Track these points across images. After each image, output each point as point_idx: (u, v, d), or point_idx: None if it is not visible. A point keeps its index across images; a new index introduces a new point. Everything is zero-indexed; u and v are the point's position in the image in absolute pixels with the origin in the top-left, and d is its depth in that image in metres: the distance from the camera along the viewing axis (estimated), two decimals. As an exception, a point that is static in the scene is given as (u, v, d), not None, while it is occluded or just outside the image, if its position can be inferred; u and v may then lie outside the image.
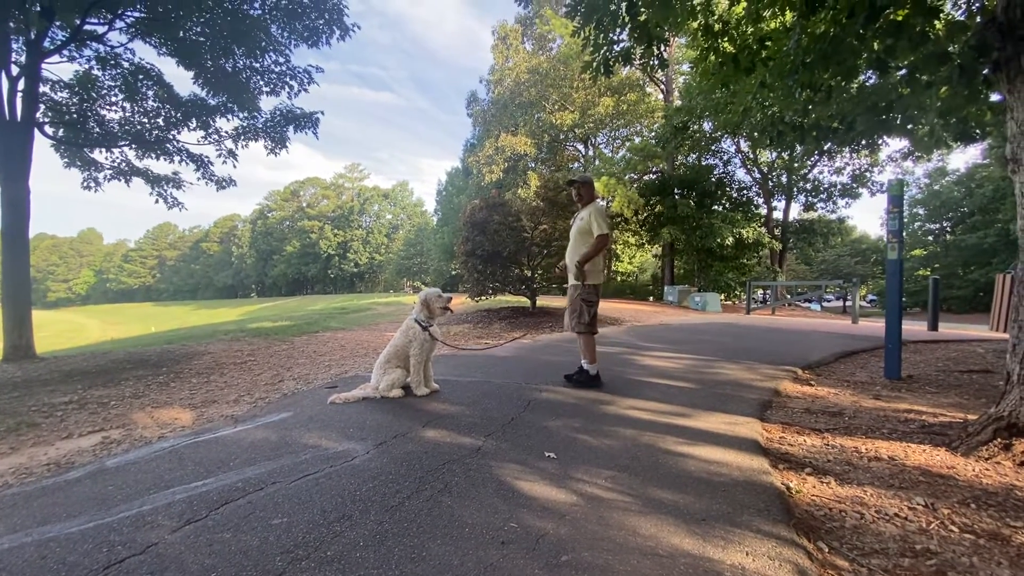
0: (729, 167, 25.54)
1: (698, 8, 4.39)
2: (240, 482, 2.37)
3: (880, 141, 6.07)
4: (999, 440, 2.76)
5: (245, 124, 9.23)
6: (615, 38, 4.56)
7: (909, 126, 5.12)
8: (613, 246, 29.04)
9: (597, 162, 25.93)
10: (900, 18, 3.38)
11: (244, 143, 9.36)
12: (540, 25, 26.24)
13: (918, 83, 3.68)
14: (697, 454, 2.77)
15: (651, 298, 25.32)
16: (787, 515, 2.07)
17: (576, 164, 29.05)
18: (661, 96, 24.76)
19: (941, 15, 3.37)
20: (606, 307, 15.05)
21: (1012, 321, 2.90)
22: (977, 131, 5.04)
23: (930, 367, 5.73)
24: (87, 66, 8.06)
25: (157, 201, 9.49)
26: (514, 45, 26.67)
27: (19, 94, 7.11)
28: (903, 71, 3.98)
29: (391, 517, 2.02)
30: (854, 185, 23.66)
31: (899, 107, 4.17)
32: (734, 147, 24.46)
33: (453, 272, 32.24)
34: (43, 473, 2.81)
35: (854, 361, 6.32)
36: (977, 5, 4.03)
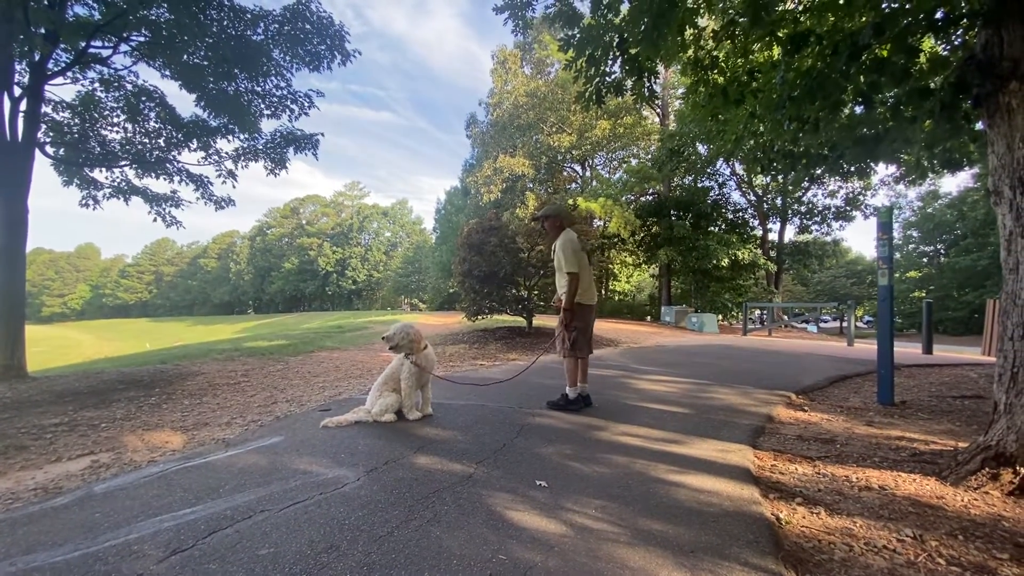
0: (724, 189, 25.93)
1: (688, 42, 4.52)
2: (228, 510, 2.36)
3: (870, 168, 6.20)
4: (987, 469, 2.76)
5: (245, 145, 9.31)
6: (607, 70, 4.68)
7: (896, 155, 5.24)
8: (609, 266, 29.20)
9: (595, 183, 26.21)
10: (883, 55, 3.50)
11: (244, 164, 9.44)
12: (539, 50, 26.81)
13: (902, 117, 3.79)
14: (688, 483, 2.76)
15: (648, 318, 25.36)
16: (776, 547, 2.06)
17: (573, 185, 29.37)
18: (657, 119, 25.19)
19: (922, 53, 3.47)
20: (604, 327, 15.04)
21: (998, 350, 2.94)
22: (963, 160, 5.15)
23: (923, 392, 5.75)
24: (90, 87, 8.16)
25: (155, 220, 9.53)
26: (513, 69, 27.18)
27: (21, 115, 7.19)
28: (889, 103, 4.09)
29: (379, 548, 2.01)
30: (848, 208, 23.95)
31: (887, 138, 4.28)
32: (729, 170, 24.83)
33: (451, 290, 32.23)
34: (30, 498, 2.79)
35: (848, 385, 6.33)
36: (959, 41, 4.16)
